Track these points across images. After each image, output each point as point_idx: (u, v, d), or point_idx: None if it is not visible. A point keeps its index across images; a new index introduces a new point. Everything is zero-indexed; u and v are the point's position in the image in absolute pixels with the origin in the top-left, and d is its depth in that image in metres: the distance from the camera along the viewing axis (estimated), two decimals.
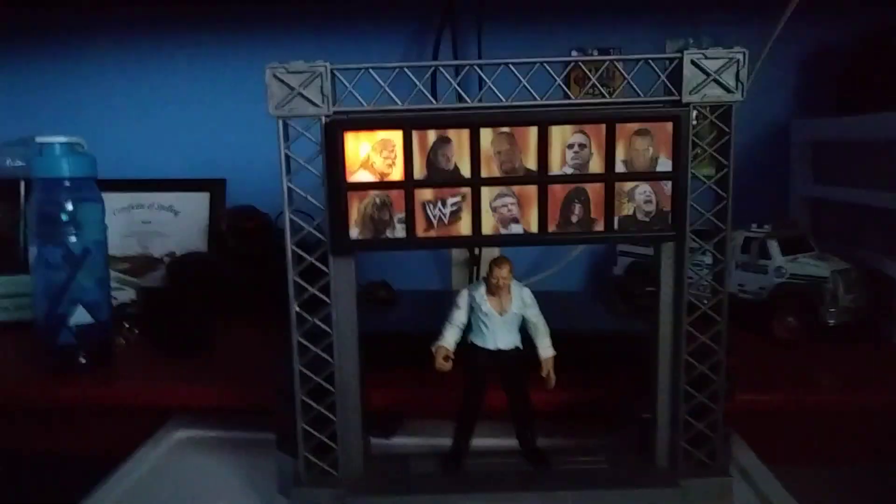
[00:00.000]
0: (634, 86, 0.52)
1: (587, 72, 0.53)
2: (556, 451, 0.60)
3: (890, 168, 0.85)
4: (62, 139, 0.73)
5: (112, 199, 1.06)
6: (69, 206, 0.73)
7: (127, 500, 0.62)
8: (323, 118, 0.52)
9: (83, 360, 0.75)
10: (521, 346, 0.57)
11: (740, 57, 0.52)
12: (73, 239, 0.74)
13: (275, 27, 1.14)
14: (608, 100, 0.52)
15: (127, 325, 0.87)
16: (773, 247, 0.88)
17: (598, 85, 0.53)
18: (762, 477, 0.65)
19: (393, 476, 0.58)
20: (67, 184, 0.73)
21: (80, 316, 0.75)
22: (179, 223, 1.10)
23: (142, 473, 0.67)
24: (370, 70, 0.51)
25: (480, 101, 0.52)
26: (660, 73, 0.53)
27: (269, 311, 0.89)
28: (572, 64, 0.52)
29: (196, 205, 1.11)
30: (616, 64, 0.53)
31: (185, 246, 1.08)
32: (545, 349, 0.57)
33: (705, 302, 0.56)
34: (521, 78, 0.52)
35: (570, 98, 0.52)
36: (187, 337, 0.82)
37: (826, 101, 1.07)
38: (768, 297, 0.87)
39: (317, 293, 0.54)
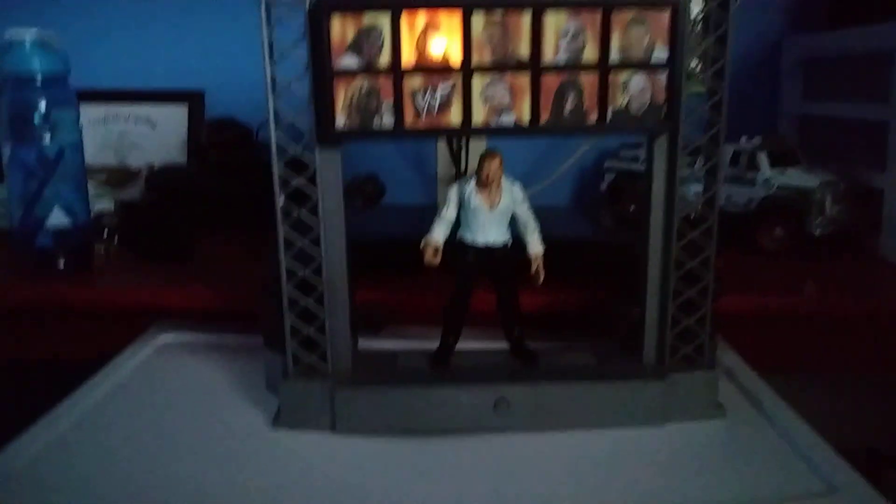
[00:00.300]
0: None
1: None
2: (544, 351, 0.61)
3: (875, 82, 0.84)
4: (32, 33, 0.70)
5: (87, 110, 1.03)
6: (42, 105, 0.71)
7: (109, 402, 0.62)
8: (307, 1, 0.49)
9: (62, 264, 0.74)
10: (510, 242, 0.57)
11: None
12: (46, 139, 0.71)
13: None
14: None
15: (106, 234, 0.85)
16: (762, 159, 0.87)
17: None
18: (746, 376, 0.66)
19: (381, 370, 0.58)
20: (39, 81, 0.71)
21: (58, 218, 0.73)
22: (157, 136, 1.07)
23: (124, 376, 0.66)
24: None
25: None
26: None
27: (251, 225, 0.88)
28: None
29: (174, 117, 1.08)
30: None
31: (164, 159, 1.05)
32: (535, 245, 0.57)
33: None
34: None
35: None
36: (169, 246, 0.80)
37: (817, 17, 1.05)
38: (756, 208, 0.87)
39: (303, 184, 0.53)
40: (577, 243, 0.75)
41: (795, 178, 0.85)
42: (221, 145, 0.99)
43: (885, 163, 0.83)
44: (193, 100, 1.09)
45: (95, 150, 1.04)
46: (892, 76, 0.79)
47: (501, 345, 0.60)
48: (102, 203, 0.91)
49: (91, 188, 0.89)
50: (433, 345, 0.59)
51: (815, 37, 1.00)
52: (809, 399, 0.72)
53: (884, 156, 0.83)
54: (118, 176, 1.02)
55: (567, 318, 0.70)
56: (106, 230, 0.85)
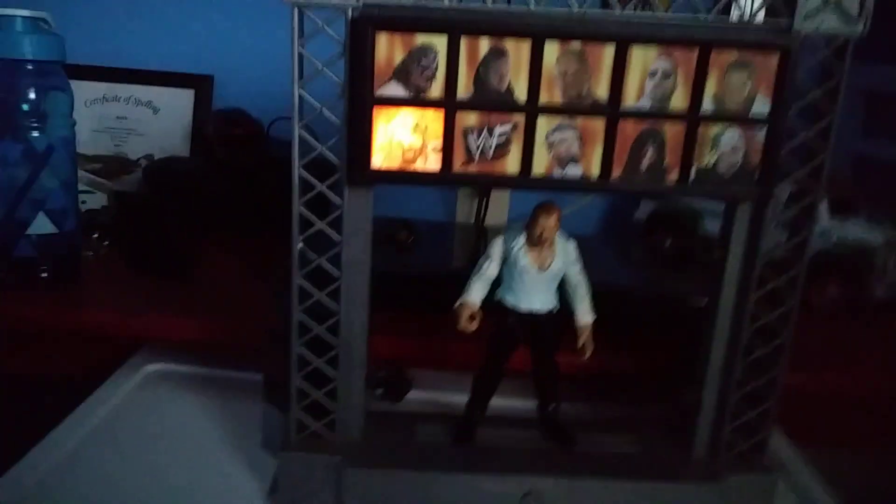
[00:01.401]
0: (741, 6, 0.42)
1: None
2: (580, 424, 0.53)
3: None
4: (24, 13, 0.61)
5: (83, 89, 0.95)
6: (31, 94, 0.62)
7: (92, 438, 0.55)
8: (350, 11, 0.41)
9: (45, 275, 0.66)
10: (557, 308, 0.49)
11: None
12: (35, 133, 0.63)
13: None
14: (705, 17, 0.42)
15: (96, 236, 0.77)
16: (822, 207, 0.79)
17: None
18: (800, 472, 0.58)
19: (396, 444, 0.50)
20: (30, 67, 0.62)
21: (42, 224, 0.64)
22: (159, 122, 0.98)
23: (104, 414, 0.58)
24: None
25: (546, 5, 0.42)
26: None
27: (258, 232, 0.80)
28: None
29: (179, 103, 0.99)
30: None
31: (165, 149, 0.96)
32: (584, 314, 0.49)
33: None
34: None
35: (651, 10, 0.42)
36: (165, 256, 0.72)
37: (882, 46, 0.96)
38: (809, 263, 0.79)
39: (325, 228, 0.45)
40: (624, 296, 0.67)
41: (857, 231, 0.77)
42: (229, 140, 0.90)
43: None
44: (201, 85, 1.00)
45: (90, 135, 0.96)
46: None
47: (532, 405, 0.52)
48: (94, 198, 0.83)
49: (82, 182, 0.80)
50: (457, 399, 0.52)
51: (881, 68, 0.91)
52: (859, 478, 0.65)
53: None
54: (114, 165, 0.94)
55: (608, 382, 0.62)
56: (97, 232, 0.76)
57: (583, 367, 0.59)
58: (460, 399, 0.52)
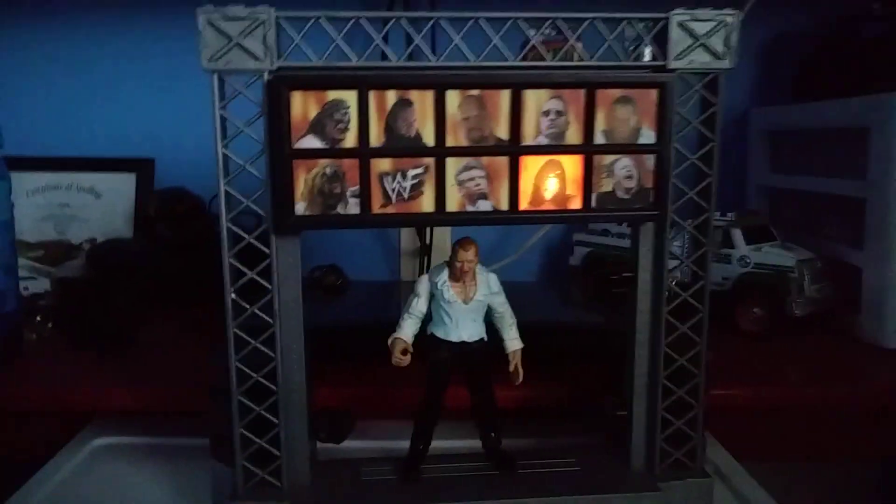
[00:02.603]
0: (616, 50, 0.47)
1: (563, 32, 0.47)
2: (523, 453, 0.55)
3: (848, 155, 0.83)
4: None
5: (24, 179, 0.97)
6: None
7: None
8: (265, 74, 0.45)
9: None
10: (486, 338, 0.52)
11: (731, 20, 0.48)
12: None
13: None
14: (588, 62, 0.47)
15: (39, 319, 0.77)
16: (737, 235, 0.84)
17: (577, 46, 0.47)
18: (738, 476, 0.61)
19: (343, 485, 0.51)
20: None
21: None
22: (102, 207, 1.00)
23: (54, 486, 0.58)
24: (321, 19, 0.45)
25: (445, 60, 0.46)
26: (643, 35, 0.48)
27: (203, 305, 0.81)
28: (549, 22, 0.47)
29: (121, 186, 1.01)
30: (597, 24, 0.47)
31: (108, 232, 0.98)
32: (512, 341, 0.52)
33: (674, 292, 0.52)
34: (492, 35, 0.46)
35: (545, 60, 0.47)
36: (107, 331, 0.73)
37: (785, 89, 1.05)
38: (732, 287, 0.84)
39: (256, 277, 0.47)
40: (552, 327, 0.70)
41: (773, 255, 0.82)
42: (170, 217, 0.92)
43: (862, 241, 0.80)
44: (142, 168, 1.02)
45: (33, 223, 0.97)
46: (869, 153, 0.78)
47: (476, 444, 0.54)
48: (37, 283, 0.84)
49: (25, 269, 0.81)
50: (401, 445, 0.53)
51: (780, 110, 0.99)
52: (798, 490, 0.68)
53: (860, 233, 0.81)
54: (57, 251, 0.95)
55: (545, 412, 0.65)
56: (39, 315, 0.77)
57: (520, 400, 0.62)
58: (404, 445, 0.53)
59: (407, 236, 1.00)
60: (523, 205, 0.47)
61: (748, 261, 0.83)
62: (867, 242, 0.80)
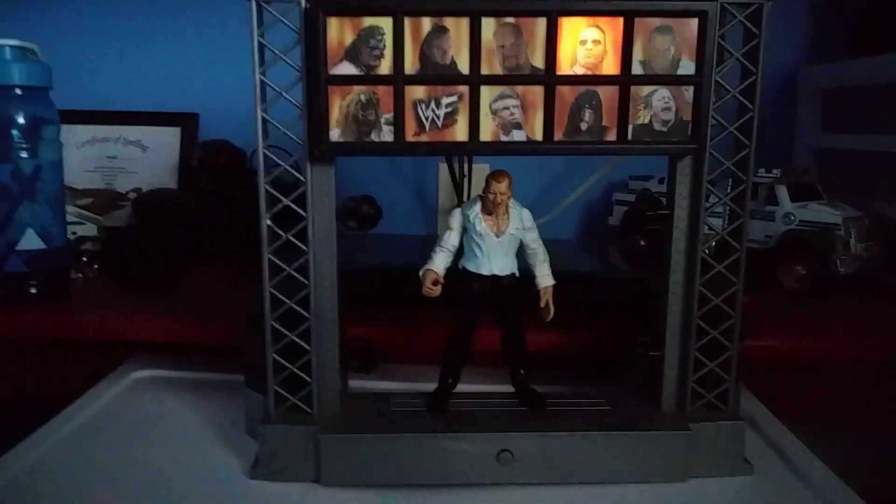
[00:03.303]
0: None
1: None
2: (553, 395, 0.55)
3: None
4: (13, 42, 0.66)
5: (75, 132, 0.99)
6: (20, 119, 0.66)
7: (74, 441, 0.56)
8: (302, 1, 0.45)
9: (34, 290, 0.68)
10: (517, 273, 0.52)
11: None
12: (23, 155, 0.67)
13: None
14: None
15: (85, 260, 0.80)
16: (782, 192, 0.82)
17: None
18: (773, 427, 0.60)
19: (372, 414, 0.52)
20: (18, 92, 0.66)
21: (31, 241, 0.68)
22: (148, 159, 1.02)
23: (93, 414, 0.61)
24: None
25: None
26: None
27: (241, 252, 0.83)
28: None
29: (166, 140, 1.03)
30: None
31: (154, 183, 1.00)
32: (544, 277, 0.52)
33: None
34: None
35: None
36: (149, 272, 0.75)
37: (835, 48, 1.01)
38: (775, 245, 0.82)
39: (291, 204, 0.48)
40: (588, 277, 0.70)
41: (818, 213, 0.80)
42: (213, 168, 0.93)
43: None
44: (187, 122, 1.04)
45: (82, 173, 1.00)
46: None
47: (506, 387, 0.54)
48: (85, 228, 0.86)
49: (74, 214, 0.84)
50: (431, 386, 0.54)
51: (833, 67, 0.96)
52: (837, 450, 0.66)
53: None
54: (105, 200, 0.97)
55: (578, 359, 0.65)
56: (86, 257, 0.80)
57: (554, 346, 0.62)
58: (433, 386, 0.54)
59: (445, 192, 1.00)
60: (558, 135, 0.47)
61: (793, 218, 0.81)
62: None
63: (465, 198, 0.95)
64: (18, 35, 0.68)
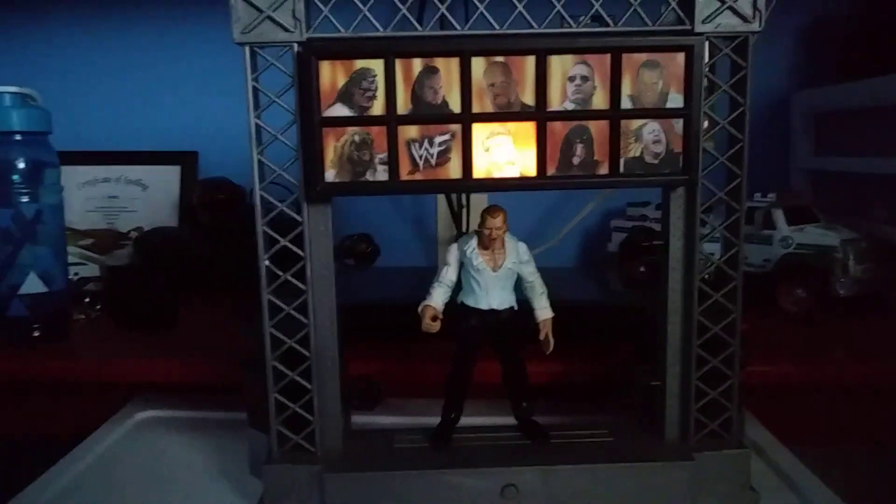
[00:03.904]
0: (642, 13, 0.47)
1: None
2: (556, 426, 0.55)
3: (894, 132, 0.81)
4: (13, 89, 0.67)
5: (76, 173, 1.01)
6: (20, 164, 0.67)
7: (79, 484, 0.56)
8: (295, 45, 0.46)
9: (37, 333, 0.69)
10: (515, 307, 0.52)
11: None
12: (24, 199, 0.67)
13: None
14: (613, 28, 0.47)
15: (87, 300, 0.80)
16: (779, 216, 0.83)
17: (602, 13, 0.47)
18: (779, 453, 0.60)
19: (375, 451, 0.52)
20: (18, 138, 0.67)
21: (33, 284, 0.68)
22: (148, 198, 1.03)
23: (98, 455, 0.61)
24: None
25: (470, 28, 0.47)
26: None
27: (241, 287, 0.83)
28: None
29: (166, 178, 1.04)
30: None
31: (155, 222, 1.01)
32: (543, 310, 0.52)
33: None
34: (517, 3, 0.46)
35: (570, 27, 0.47)
36: (150, 312, 0.75)
37: (826, 72, 1.03)
38: (774, 269, 0.82)
39: (289, 245, 0.48)
40: (587, 306, 0.70)
41: (815, 235, 0.81)
42: (212, 206, 0.94)
43: None
44: (186, 160, 1.06)
45: (84, 213, 1.01)
46: None
47: (508, 419, 0.54)
48: (87, 269, 0.87)
49: (75, 255, 0.85)
50: (433, 421, 0.54)
51: (824, 91, 0.97)
52: (843, 475, 0.66)
53: None
54: (106, 240, 0.98)
55: (579, 389, 0.65)
56: (88, 297, 0.80)
57: (554, 376, 0.62)
58: (435, 420, 0.53)
59: (444, 223, 1.00)
60: (550, 170, 0.47)
61: (790, 241, 0.81)
62: None
63: (464, 228, 0.96)
64: (16, 77, 0.69)
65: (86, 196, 1.02)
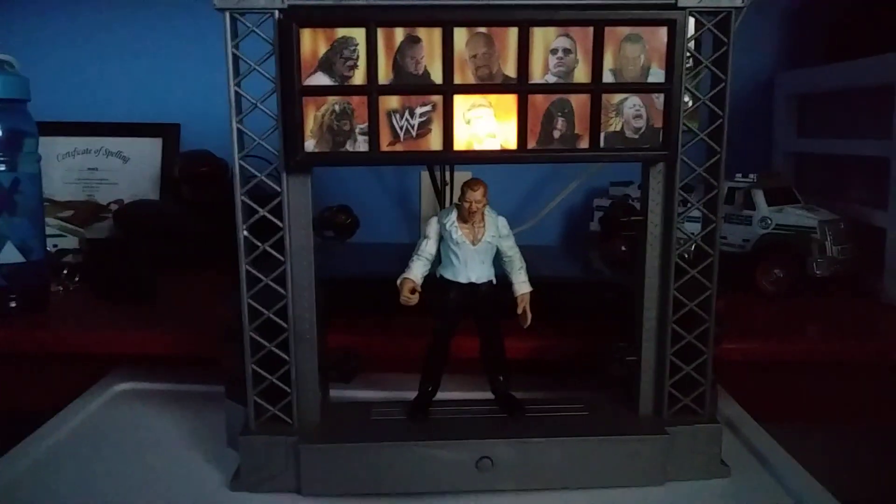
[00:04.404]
0: None
1: None
2: (532, 401, 0.55)
3: (873, 116, 0.81)
4: None
5: (56, 144, 0.99)
6: None
7: (55, 455, 0.56)
8: (276, 12, 0.45)
9: (14, 304, 0.68)
10: (494, 280, 0.52)
11: None
12: (1, 168, 0.67)
13: None
14: (596, 1, 0.47)
15: (66, 272, 0.79)
16: (759, 196, 0.83)
17: None
18: (751, 429, 0.60)
19: (352, 424, 0.52)
20: None
21: (10, 254, 0.68)
22: (129, 170, 1.02)
23: (74, 427, 0.60)
24: None
25: None
26: None
27: (222, 261, 0.83)
28: None
29: (148, 151, 1.03)
30: None
31: (135, 194, 1.00)
32: (521, 284, 0.52)
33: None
34: None
35: None
36: (131, 284, 0.75)
37: (811, 54, 1.03)
38: (752, 248, 0.83)
39: (267, 215, 0.48)
40: (566, 283, 0.70)
41: (794, 216, 0.81)
42: (194, 179, 0.93)
43: (886, 200, 0.79)
44: (168, 133, 1.04)
45: (63, 185, 0.99)
46: (894, 111, 0.76)
47: (485, 394, 0.55)
48: (66, 241, 0.86)
49: (54, 227, 0.84)
50: (411, 395, 0.54)
51: (808, 72, 0.98)
52: (814, 451, 0.67)
53: (884, 193, 0.79)
54: (86, 212, 0.97)
55: (555, 364, 0.65)
56: (66, 269, 0.79)
57: (532, 352, 0.62)
58: (413, 394, 0.54)
59: (427, 200, 1.00)
60: (531, 143, 0.47)
61: (769, 222, 0.82)
62: (891, 202, 0.78)
63: (447, 205, 0.96)
64: None
65: (66, 168, 1.01)
